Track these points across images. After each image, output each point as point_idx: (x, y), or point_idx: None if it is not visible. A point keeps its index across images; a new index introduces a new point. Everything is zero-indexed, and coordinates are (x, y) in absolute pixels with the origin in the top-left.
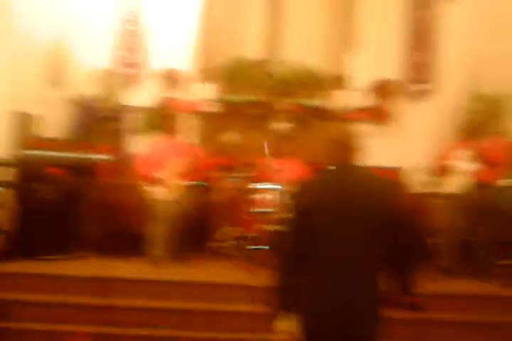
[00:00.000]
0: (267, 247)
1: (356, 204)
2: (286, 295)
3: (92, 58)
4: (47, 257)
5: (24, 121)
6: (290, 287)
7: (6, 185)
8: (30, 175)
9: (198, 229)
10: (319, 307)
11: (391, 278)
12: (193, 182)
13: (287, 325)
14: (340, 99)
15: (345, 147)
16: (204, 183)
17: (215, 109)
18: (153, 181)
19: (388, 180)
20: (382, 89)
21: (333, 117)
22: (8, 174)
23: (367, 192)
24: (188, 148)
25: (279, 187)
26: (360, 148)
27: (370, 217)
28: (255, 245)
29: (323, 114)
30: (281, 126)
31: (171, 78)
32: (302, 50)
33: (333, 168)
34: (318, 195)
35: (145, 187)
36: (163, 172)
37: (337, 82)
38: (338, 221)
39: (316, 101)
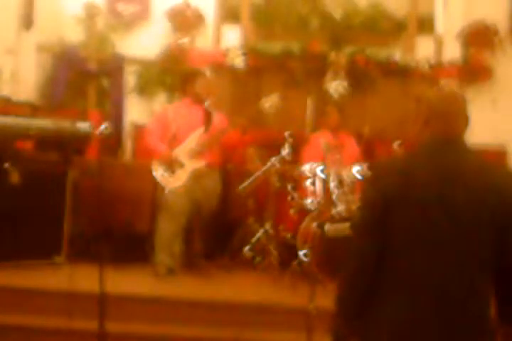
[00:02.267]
0: (317, 254)
1: (465, 199)
2: (354, 321)
3: None
4: (9, 263)
5: None
6: (360, 310)
7: None
8: None
9: (222, 229)
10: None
11: (504, 303)
12: (218, 164)
13: None
14: (422, 50)
15: (447, 115)
16: (232, 165)
17: (244, 61)
18: (164, 162)
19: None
20: (480, 37)
21: (411, 74)
22: None
23: (482, 182)
24: (210, 117)
25: (335, 170)
26: (467, 117)
27: (486, 219)
28: (301, 251)
29: (397, 70)
30: (337, 85)
31: (185, 19)
32: None
33: (427, 145)
34: (404, 183)
35: (153, 171)
36: (177, 149)
37: (418, 26)
38: (434, 222)
39: (389, 52)
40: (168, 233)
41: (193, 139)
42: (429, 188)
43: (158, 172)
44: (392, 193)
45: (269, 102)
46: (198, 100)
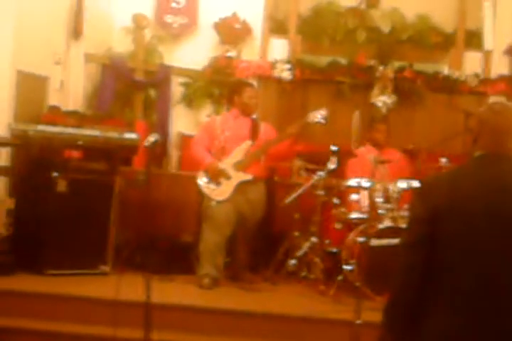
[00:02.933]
0: (363, 268)
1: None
2: (401, 334)
3: (126, 4)
4: (57, 272)
5: (32, 86)
6: (408, 323)
7: (5, 172)
8: (38, 159)
9: (267, 241)
10: None
11: None
12: (263, 176)
13: None
14: (469, 65)
15: (497, 130)
16: (278, 178)
17: (291, 74)
18: (210, 173)
19: None
20: None
21: (459, 89)
22: (8, 157)
23: None
24: (257, 128)
25: (381, 185)
26: None
27: None
28: (346, 264)
29: (445, 84)
30: (384, 99)
31: (233, 31)
32: None
33: (476, 159)
34: (451, 196)
35: (198, 181)
36: (224, 161)
37: (466, 40)
38: (481, 234)
39: (436, 66)
40: (212, 244)
41: (240, 151)
42: (476, 200)
43: (204, 183)
44: (440, 207)
45: (308, 114)
46: (246, 111)
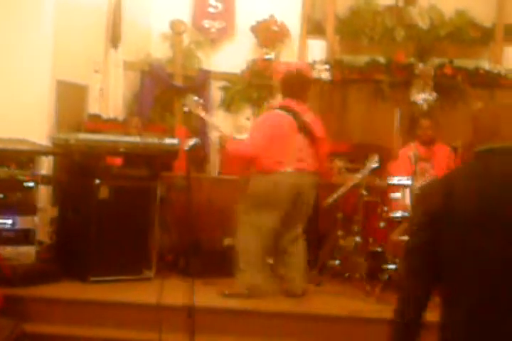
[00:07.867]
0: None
1: (508, 203)
2: (411, 335)
3: (163, 10)
4: (102, 279)
5: (72, 94)
6: (417, 324)
7: (47, 181)
8: (79, 167)
9: (310, 242)
10: None
11: None
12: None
13: None
14: (510, 59)
15: (491, 128)
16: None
17: (329, 75)
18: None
19: None
20: None
21: (501, 84)
22: (50, 166)
23: None
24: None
25: (423, 182)
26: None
27: None
28: (389, 264)
29: (486, 79)
30: (424, 97)
31: (270, 33)
32: None
33: (488, 154)
34: (446, 200)
35: (242, 184)
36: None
37: (506, 34)
38: (482, 233)
39: (476, 62)
40: (251, 246)
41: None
42: (470, 201)
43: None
44: (436, 211)
45: (348, 113)
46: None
